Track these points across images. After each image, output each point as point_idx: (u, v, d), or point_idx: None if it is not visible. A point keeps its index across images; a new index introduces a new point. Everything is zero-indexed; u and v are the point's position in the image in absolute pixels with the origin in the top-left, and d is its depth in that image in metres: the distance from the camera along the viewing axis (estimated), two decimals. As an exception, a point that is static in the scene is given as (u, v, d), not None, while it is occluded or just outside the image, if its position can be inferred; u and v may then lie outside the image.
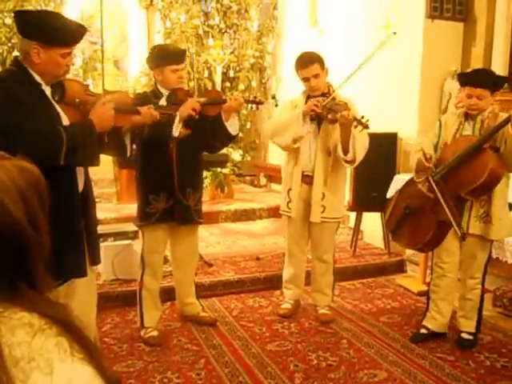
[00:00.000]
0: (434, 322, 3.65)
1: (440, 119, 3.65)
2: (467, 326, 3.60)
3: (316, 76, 3.69)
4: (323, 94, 3.73)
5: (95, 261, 2.88)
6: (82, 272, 2.61)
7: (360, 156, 3.63)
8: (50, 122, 2.43)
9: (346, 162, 3.67)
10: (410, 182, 3.65)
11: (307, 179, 3.81)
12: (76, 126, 2.51)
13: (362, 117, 3.39)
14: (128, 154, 3.13)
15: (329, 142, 3.74)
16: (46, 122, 2.40)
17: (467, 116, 3.45)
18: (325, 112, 3.60)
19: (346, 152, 3.60)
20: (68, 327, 0.84)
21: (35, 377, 0.76)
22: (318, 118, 3.71)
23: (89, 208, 2.78)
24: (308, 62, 3.70)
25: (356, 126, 3.42)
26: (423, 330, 3.67)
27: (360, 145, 3.60)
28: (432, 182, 3.37)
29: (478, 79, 3.34)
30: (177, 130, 3.29)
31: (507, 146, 3.18)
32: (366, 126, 3.38)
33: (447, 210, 3.29)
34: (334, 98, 3.64)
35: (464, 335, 3.59)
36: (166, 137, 3.30)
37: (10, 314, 0.80)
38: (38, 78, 2.50)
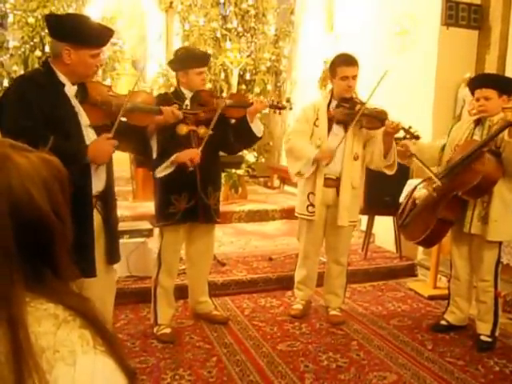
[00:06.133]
0: (453, 315, 3.85)
1: (453, 124, 3.86)
2: (484, 328, 3.65)
3: (354, 77, 3.73)
4: (352, 99, 3.75)
5: (113, 259, 2.92)
6: (88, 273, 2.61)
7: (396, 161, 3.71)
8: (45, 126, 2.43)
9: (386, 167, 3.72)
10: (423, 181, 3.89)
11: (330, 182, 3.82)
12: (68, 145, 2.50)
13: (410, 127, 3.47)
14: (154, 156, 3.18)
15: (356, 146, 3.77)
16: (41, 124, 2.42)
17: (478, 122, 3.59)
18: (362, 118, 3.63)
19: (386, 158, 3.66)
20: (91, 320, 0.85)
21: (59, 367, 0.77)
22: (344, 122, 3.72)
23: (109, 207, 2.82)
24: (353, 61, 3.74)
25: (404, 137, 3.50)
26: (443, 322, 3.90)
27: (395, 150, 3.68)
28: (435, 180, 3.60)
29: (482, 80, 3.58)
30: (163, 170, 3.34)
31: (505, 151, 3.33)
32: (416, 137, 3.49)
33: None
34: (363, 103, 3.68)
35: (483, 337, 3.63)
36: (182, 144, 3.35)
37: (36, 304, 0.81)
38: (63, 78, 2.58)
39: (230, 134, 3.53)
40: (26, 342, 0.76)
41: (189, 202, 3.48)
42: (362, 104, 3.67)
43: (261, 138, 3.63)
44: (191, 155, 3.29)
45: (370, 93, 3.65)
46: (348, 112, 3.70)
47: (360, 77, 3.79)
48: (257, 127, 3.51)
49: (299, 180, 3.96)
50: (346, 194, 3.79)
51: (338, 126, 3.77)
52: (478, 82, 3.57)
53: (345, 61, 3.75)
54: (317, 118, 3.84)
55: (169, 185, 3.48)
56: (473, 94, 3.62)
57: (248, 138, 3.57)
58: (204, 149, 3.36)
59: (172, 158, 3.30)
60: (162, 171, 3.35)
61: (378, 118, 3.58)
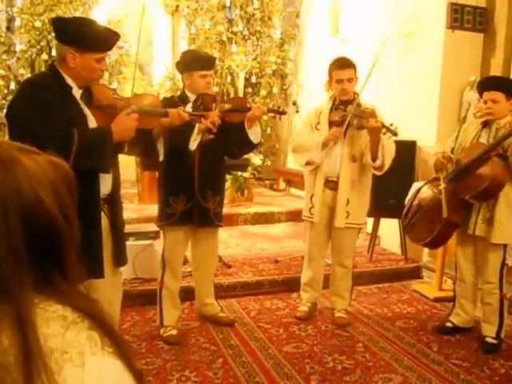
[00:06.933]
0: (458, 317, 3.86)
1: (460, 127, 3.85)
2: (489, 330, 3.65)
3: (350, 80, 3.77)
4: (349, 101, 3.78)
5: (120, 262, 2.93)
6: (97, 273, 2.62)
7: (388, 162, 3.70)
8: (68, 123, 2.44)
9: (375, 168, 3.73)
10: (428, 182, 3.90)
11: (331, 184, 3.86)
12: (91, 132, 2.55)
13: (391, 124, 3.48)
14: (160, 158, 3.19)
15: (354, 147, 3.79)
16: (63, 123, 2.42)
17: (485, 124, 3.59)
18: (352, 118, 3.66)
19: (374, 159, 3.66)
20: (99, 322, 0.86)
21: (67, 368, 0.78)
22: (340, 124, 3.75)
23: (116, 210, 2.84)
24: (346, 64, 3.79)
25: (385, 133, 3.51)
26: (448, 324, 3.90)
27: (388, 151, 3.67)
28: (442, 182, 3.61)
29: (491, 82, 3.58)
30: (194, 142, 3.35)
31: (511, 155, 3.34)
32: (394, 133, 3.51)
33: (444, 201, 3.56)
34: (359, 105, 3.70)
35: (488, 339, 3.63)
36: (184, 147, 3.34)
37: (45, 306, 0.82)
38: (70, 81, 2.57)
39: (231, 138, 3.53)
40: (36, 344, 0.77)
41: (186, 204, 3.50)
42: (357, 105, 3.70)
43: (258, 144, 3.64)
44: (211, 118, 3.27)
45: (363, 85, 3.71)
46: (342, 114, 3.75)
47: (364, 79, 3.80)
48: (254, 134, 3.49)
49: (308, 172, 3.97)
50: (343, 195, 3.82)
51: (338, 129, 3.79)
52: (487, 85, 3.58)
53: (339, 64, 3.81)
54: (318, 122, 3.89)
55: (168, 186, 3.54)
56: (481, 95, 3.63)
57: (245, 145, 3.55)
58: (205, 153, 3.39)
59: (195, 129, 3.32)
60: (192, 144, 3.36)
61: (365, 118, 3.59)
